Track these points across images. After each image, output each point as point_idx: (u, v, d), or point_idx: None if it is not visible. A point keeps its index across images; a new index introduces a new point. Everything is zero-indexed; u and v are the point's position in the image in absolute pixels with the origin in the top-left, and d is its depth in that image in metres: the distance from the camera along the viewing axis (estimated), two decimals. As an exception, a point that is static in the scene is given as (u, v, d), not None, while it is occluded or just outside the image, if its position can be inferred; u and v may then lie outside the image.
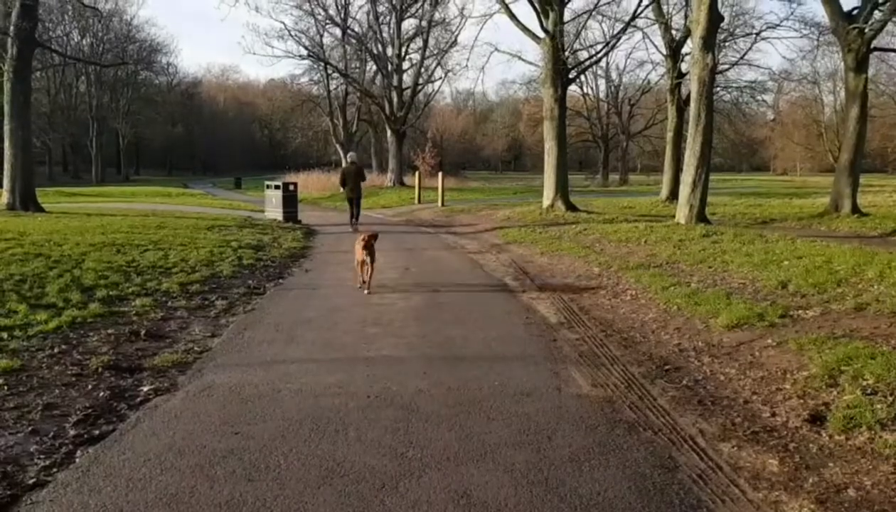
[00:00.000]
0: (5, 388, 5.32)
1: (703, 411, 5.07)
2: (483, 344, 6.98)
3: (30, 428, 4.62)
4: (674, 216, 17.17)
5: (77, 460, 4.17)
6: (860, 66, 19.92)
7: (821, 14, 27.24)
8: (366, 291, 9.41)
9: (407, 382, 5.65)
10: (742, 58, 35.60)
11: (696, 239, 13.02)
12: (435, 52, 43.97)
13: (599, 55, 30.78)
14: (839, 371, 5.26)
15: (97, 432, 4.60)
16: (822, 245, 11.43)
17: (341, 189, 20.63)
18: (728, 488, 3.86)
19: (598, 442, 4.49)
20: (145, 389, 5.49)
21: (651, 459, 4.23)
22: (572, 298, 9.32)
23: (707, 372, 5.96)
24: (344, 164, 20.31)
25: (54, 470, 4.03)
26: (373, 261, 9.64)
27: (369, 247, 9.50)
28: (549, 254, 13.45)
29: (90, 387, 5.47)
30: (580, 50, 34.03)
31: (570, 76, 23.94)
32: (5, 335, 6.68)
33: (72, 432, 4.58)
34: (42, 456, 4.21)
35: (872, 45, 20.45)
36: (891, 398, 4.70)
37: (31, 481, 3.88)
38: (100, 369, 5.87)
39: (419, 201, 29.72)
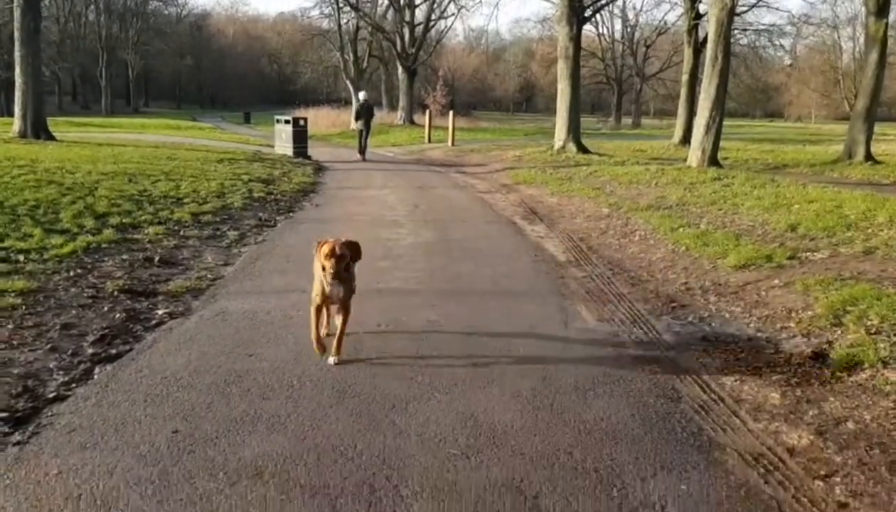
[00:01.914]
0: (23, 307, 5.43)
1: (707, 347, 5.15)
2: (491, 280, 7.05)
3: (48, 346, 4.74)
4: (686, 160, 17.07)
5: (95, 377, 4.29)
6: (881, 10, 19.52)
7: (845, -45, 26.49)
8: (331, 359, 4.58)
9: (416, 314, 5.74)
10: (761, -1, 34.82)
11: (707, 182, 12.98)
12: (449, -14, 43.12)
13: (616, -6, 30.08)
14: (844, 311, 5.32)
15: (114, 351, 4.71)
16: (833, 191, 11.39)
17: (354, 123, 21.57)
18: (729, 419, 3.95)
19: (602, 373, 4.58)
20: (160, 312, 5.60)
21: (654, 390, 4.32)
22: (581, 238, 9.36)
23: (713, 309, 6.03)
24: (357, 103, 21.08)
25: (73, 385, 4.15)
26: (346, 299, 4.67)
27: (338, 272, 4.49)
28: (559, 194, 13.43)
29: (106, 309, 5.58)
30: (597, -12, 33.17)
31: (586, 14, 23.52)
32: (22, 258, 6.78)
33: (89, 351, 4.70)
34: (61, 372, 4.33)
35: (895, -11, 20.00)
36: (894, 338, 4.76)
37: (51, 395, 4.00)
38: (115, 293, 5.98)
39: (429, 140, 29.52)
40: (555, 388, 4.30)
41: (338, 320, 4.74)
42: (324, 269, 4.48)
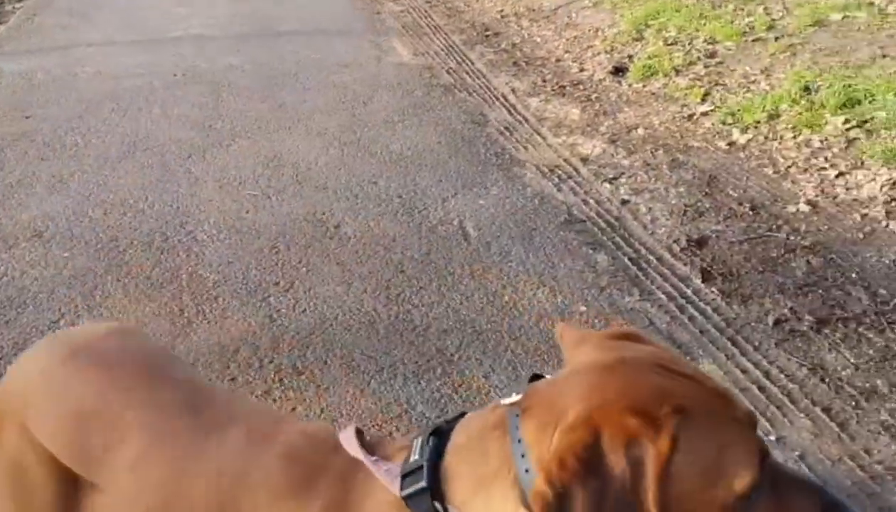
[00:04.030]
0: None
1: (517, 71, 5.15)
2: (302, 20, 6.61)
3: None
4: None
5: None
6: None
7: None
8: None
9: (217, 60, 5.35)
10: None
11: None
12: None
13: None
14: (646, 25, 5.41)
15: None
16: None
17: None
18: (531, 137, 4.05)
19: (413, 104, 4.51)
20: (-85, 79, 4.91)
21: (463, 117, 4.32)
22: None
23: (525, 35, 5.98)
24: None
25: None
26: None
27: None
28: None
29: None
30: None
31: None
32: None
33: None
34: None
35: None
36: (688, 46, 4.93)
37: None
38: None
39: None
40: (363, 123, 4.22)
41: None
42: None
